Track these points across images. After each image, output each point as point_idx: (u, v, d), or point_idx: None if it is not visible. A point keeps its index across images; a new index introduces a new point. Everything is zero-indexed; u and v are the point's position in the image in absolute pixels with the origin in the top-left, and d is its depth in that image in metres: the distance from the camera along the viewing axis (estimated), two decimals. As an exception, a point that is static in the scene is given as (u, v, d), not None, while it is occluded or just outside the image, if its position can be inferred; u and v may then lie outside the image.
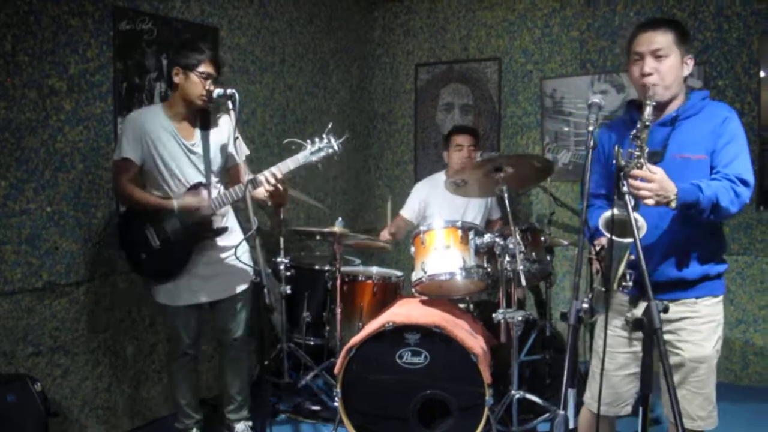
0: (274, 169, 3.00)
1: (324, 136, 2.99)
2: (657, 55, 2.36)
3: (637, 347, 2.48)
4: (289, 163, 3.00)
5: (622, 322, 2.51)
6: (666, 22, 2.44)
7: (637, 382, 2.54)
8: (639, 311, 2.46)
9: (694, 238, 2.39)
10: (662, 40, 2.36)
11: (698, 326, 2.43)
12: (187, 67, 3.05)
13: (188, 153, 3.14)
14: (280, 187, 3.01)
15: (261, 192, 3.05)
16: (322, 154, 2.98)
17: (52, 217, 3.27)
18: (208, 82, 3.03)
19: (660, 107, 2.39)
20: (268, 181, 2.99)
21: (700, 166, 2.36)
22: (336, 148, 2.98)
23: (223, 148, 3.24)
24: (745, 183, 2.30)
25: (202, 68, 3.04)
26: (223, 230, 3.21)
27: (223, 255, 3.25)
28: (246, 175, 2.78)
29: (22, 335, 3.17)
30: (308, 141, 2.99)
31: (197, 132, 3.18)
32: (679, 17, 4.47)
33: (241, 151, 2.90)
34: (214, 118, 3.24)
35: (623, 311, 2.51)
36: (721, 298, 2.49)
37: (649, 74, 2.35)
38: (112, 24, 3.49)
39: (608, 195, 2.63)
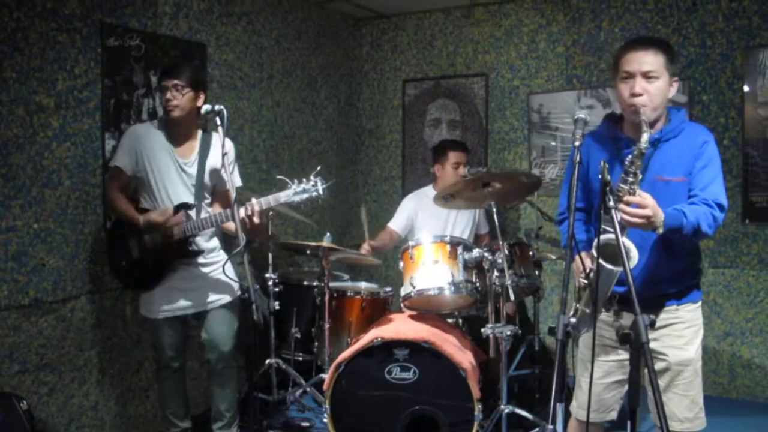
0: (254, 201, 3.01)
1: (312, 177, 2.98)
2: (648, 76, 2.35)
3: (623, 355, 2.52)
4: (270, 200, 3.01)
5: (609, 332, 2.55)
6: (657, 42, 2.43)
7: (621, 388, 2.59)
8: (625, 321, 2.49)
9: (674, 255, 2.45)
10: (654, 61, 2.35)
11: (681, 331, 2.48)
12: (159, 88, 3.22)
13: (181, 171, 3.21)
14: (256, 219, 3.01)
15: (231, 225, 3.06)
16: (306, 196, 2.97)
17: (39, 233, 3.26)
18: (168, 92, 3.11)
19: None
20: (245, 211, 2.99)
21: (679, 188, 2.40)
22: (320, 192, 2.96)
23: (215, 171, 3.27)
24: (721, 207, 2.36)
25: (164, 82, 3.14)
26: (198, 252, 3.21)
27: (205, 270, 3.26)
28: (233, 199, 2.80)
29: (7, 353, 3.14)
30: (294, 181, 2.99)
31: (194, 152, 3.24)
32: (663, 33, 4.52)
33: (234, 181, 2.96)
34: (210, 140, 3.29)
35: (609, 322, 2.55)
36: (699, 303, 2.56)
37: (639, 95, 2.34)
38: (99, 40, 3.50)
39: (586, 208, 2.67)
